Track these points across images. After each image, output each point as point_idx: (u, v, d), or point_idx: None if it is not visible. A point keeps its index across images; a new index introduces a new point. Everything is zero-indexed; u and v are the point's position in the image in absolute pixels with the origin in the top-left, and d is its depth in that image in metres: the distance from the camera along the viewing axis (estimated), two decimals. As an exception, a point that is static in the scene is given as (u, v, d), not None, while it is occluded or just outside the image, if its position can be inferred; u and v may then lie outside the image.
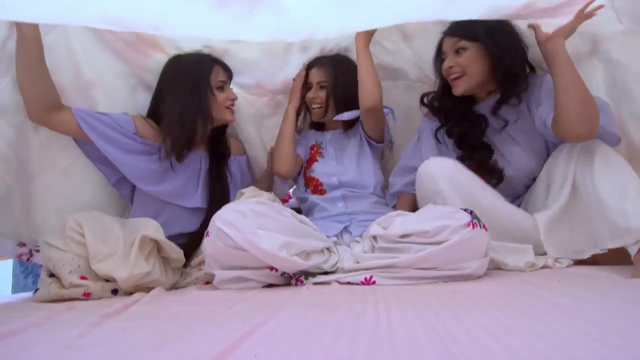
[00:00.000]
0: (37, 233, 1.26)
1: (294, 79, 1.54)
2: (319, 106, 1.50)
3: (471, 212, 1.02)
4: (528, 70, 1.29)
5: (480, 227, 1.00)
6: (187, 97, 1.32)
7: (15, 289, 2.04)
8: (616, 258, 1.02)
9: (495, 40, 1.20)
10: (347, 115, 1.46)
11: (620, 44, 1.15)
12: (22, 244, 1.30)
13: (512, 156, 1.28)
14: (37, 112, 1.20)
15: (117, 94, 1.36)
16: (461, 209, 1.05)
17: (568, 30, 1.13)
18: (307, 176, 1.54)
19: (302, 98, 1.54)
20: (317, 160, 1.55)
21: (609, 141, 1.12)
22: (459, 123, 1.30)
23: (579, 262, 1.13)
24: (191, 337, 0.62)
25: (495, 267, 1.12)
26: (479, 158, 1.26)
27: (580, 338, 0.52)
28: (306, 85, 1.54)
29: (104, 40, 1.32)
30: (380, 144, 1.54)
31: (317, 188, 1.51)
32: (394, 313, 0.70)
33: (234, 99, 1.41)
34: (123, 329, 0.70)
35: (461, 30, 1.24)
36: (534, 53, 1.26)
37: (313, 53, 1.53)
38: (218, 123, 1.42)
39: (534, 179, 1.29)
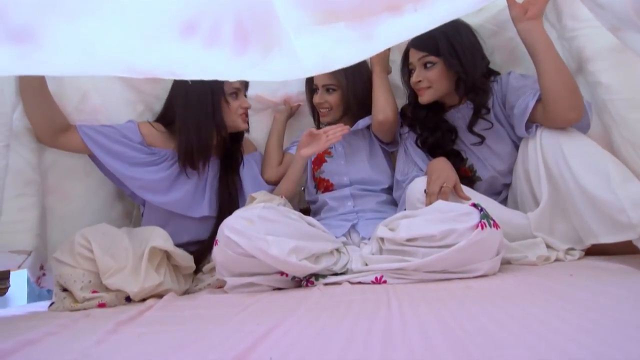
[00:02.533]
0: (48, 253, 1.28)
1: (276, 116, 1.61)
2: (328, 109, 1.49)
3: (481, 210, 1.00)
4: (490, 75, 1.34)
5: (491, 227, 0.97)
6: (201, 103, 1.31)
7: (31, 297, 2.07)
8: (625, 243, 1.01)
9: (458, 57, 1.24)
10: (362, 124, 1.47)
11: (609, 66, 1.11)
12: (41, 267, 1.31)
13: (487, 159, 1.33)
14: (47, 136, 1.23)
15: (123, 119, 1.38)
16: (472, 204, 1.03)
17: (541, 7, 1.11)
18: (316, 178, 1.54)
19: (310, 101, 1.55)
20: (326, 161, 1.54)
21: (582, 127, 1.14)
22: (431, 133, 1.37)
23: (589, 253, 1.13)
24: (206, 342, 0.63)
25: (506, 262, 1.11)
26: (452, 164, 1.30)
27: (596, 330, 0.52)
28: (311, 88, 1.53)
29: None
30: (390, 146, 1.54)
31: (327, 189, 1.51)
32: (407, 311, 0.70)
33: (247, 107, 1.39)
34: (139, 335, 0.71)
35: (426, 44, 1.28)
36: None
37: None
38: (231, 130, 1.39)
39: (510, 176, 1.32)
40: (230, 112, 1.35)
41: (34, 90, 1.16)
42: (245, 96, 1.42)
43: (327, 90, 1.47)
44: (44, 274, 1.31)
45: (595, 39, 1.12)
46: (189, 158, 1.32)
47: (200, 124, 1.31)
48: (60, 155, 1.30)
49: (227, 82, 1.34)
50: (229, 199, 1.40)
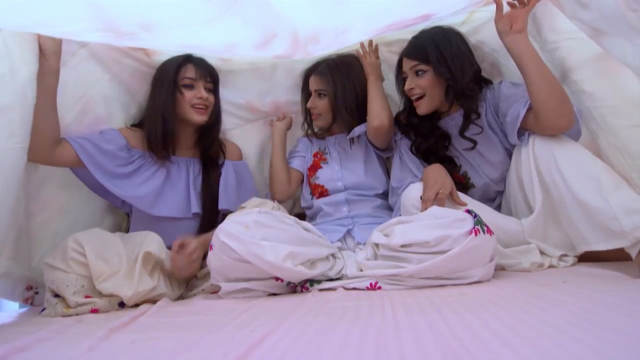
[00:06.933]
0: (36, 273, 1.24)
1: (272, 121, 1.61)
2: (318, 114, 1.51)
3: (475, 216, 1.01)
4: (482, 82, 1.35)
5: (484, 233, 0.98)
6: (157, 94, 1.34)
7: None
8: (618, 250, 1.01)
9: (447, 64, 1.26)
10: (357, 131, 1.48)
11: (591, 75, 1.13)
12: (29, 287, 1.27)
13: (480, 166, 1.34)
14: (44, 150, 1.17)
15: (120, 124, 1.39)
16: (466, 210, 1.04)
17: (525, 20, 1.13)
18: (312, 184, 1.54)
19: (304, 107, 1.55)
20: (321, 167, 1.54)
21: (572, 133, 1.15)
22: (425, 139, 1.38)
23: (583, 259, 1.13)
24: (199, 349, 0.62)
25: (500, 268, 1.12)
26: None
27: (587, 338, 0.52)
28: (307, 93, 1.54)
29: (112, 73, 1.35)
30: (385, 152, 1.54)
31: (322, 194, 1.51)
32: (401, 319, 0.70)
33: (202, 97, 1.34)
34: (131, 341, 0.71)
35: (417, 53, 1.31)
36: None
37: (298, 74, 1.56)
38: (189, 122, 1.37)
39: (503, 183, 1.33)
40: (183, 103, 1.34)
41: (46, 98, 1.11)
42: (216, 95, 1.41)
43: (319, 95, 1.49)
44: (36, 293, 1.28)
45: (576, 50, 1.14)
46: (155, 146, 1.32)
47: (164, 114, 1.32)
48: (54, 169, 1.26)
49: (181, 72, 1.34)
50: (212, 198, 1.40)
